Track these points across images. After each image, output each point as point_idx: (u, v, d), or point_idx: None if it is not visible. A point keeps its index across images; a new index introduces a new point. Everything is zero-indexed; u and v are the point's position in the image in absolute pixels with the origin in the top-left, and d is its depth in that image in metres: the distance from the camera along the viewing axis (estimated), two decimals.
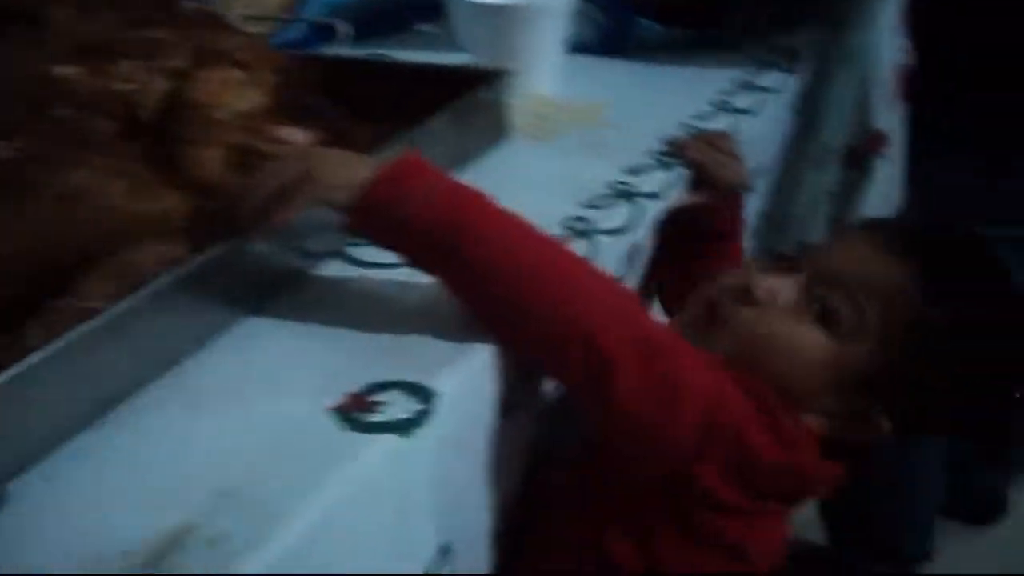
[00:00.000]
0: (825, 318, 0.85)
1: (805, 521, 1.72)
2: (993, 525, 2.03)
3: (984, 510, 2.05)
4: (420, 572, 0.73)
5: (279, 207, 0.75)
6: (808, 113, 1.61)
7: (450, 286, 0.77)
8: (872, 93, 1.90)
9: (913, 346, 0.84)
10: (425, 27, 1.56)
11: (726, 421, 0.78)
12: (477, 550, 0.83)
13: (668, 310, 1.13)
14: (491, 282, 0.75)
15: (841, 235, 0.96)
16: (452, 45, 1.33)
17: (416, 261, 0.78)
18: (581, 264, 0.81)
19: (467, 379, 0.74)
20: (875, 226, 0.99)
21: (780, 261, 0.92)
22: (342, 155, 0.80)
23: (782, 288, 0.88)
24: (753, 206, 1.16)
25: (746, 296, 0.88)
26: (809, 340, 0.85)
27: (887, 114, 1.97)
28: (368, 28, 1.39)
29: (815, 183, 1.66)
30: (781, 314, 0.87)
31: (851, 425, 0.87)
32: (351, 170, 0.77)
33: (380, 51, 1.38)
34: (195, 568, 0.55)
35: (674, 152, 1.08)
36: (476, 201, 0.77)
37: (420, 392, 0.69)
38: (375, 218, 0.76)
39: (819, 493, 0.90)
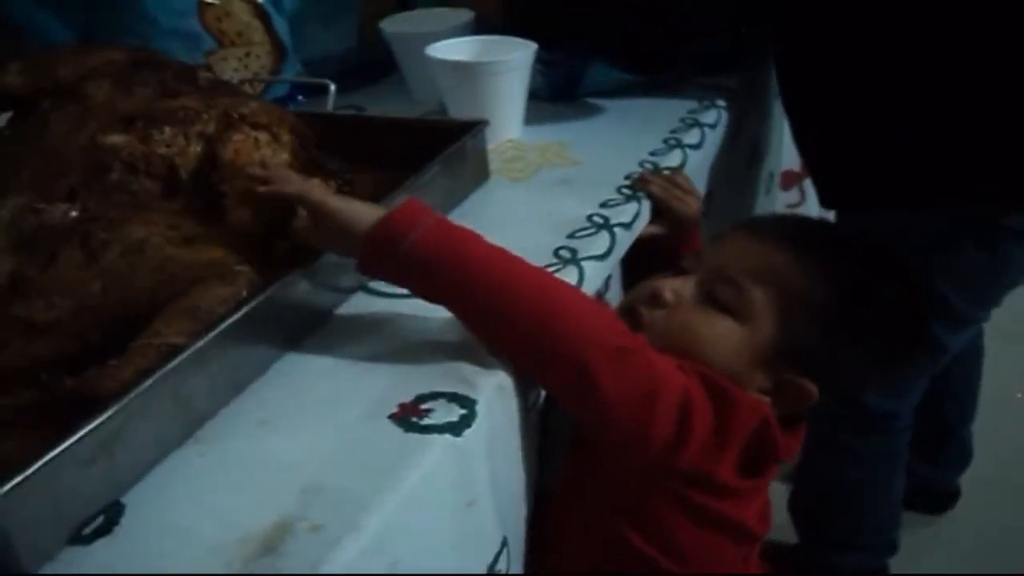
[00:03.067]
0: (722, 306, 0.98)
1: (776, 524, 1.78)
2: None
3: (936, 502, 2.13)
4: (491, 561, 0.85)
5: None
6: (752, 144, 1.75)
7: (453, 310, 0.87)
8: None
9: (806, 317, 0.97)
10: (380, 84, 1.68)
11: (699, 408, 0.88)
12: (520, 544, 0.95)
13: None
14: (489, 306, 0.85)
15: (724, 234, 1.07)
16: (405, 97, 1.49)
17: (420, 291, 0.88)
18: (565, 286, 0.92)
19: (496, 392, 0.84)
20: (752, 223, 1.14)
21: (679, 268, 1.05)
22: (355, 201, 0.91)
23: (684, 287, 1.00)
24: (708, 231, 1.29)
25: (656, 300, 1.00)
26: (720, 327, 0.97)
27: None
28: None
29: (765, 206, 1.80)
30: (689, 310, 0.99)
31: (784, 397, 0.98)
32: (362, 212, 0.88)
33: (353, 106, 1.50)
34: (306, 550, 0.66)
35: (638, 187, 1.22)
36: (470, 235, 0.87)
37: (460, 400, 0.81)
38: (382, 254, 0.86)
39: (787, 458, 1.00)
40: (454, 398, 0.81)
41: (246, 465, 0.75)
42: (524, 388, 0.89)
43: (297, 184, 0.92)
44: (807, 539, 1.93)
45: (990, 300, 1.53)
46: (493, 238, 0.88)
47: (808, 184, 2.11)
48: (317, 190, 0.92)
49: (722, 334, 0.97)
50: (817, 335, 0.97)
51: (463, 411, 0.80)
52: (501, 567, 0.87)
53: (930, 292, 1.30)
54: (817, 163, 1.53)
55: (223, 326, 0.80)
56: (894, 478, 1.81)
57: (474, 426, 0.79)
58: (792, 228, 1.09)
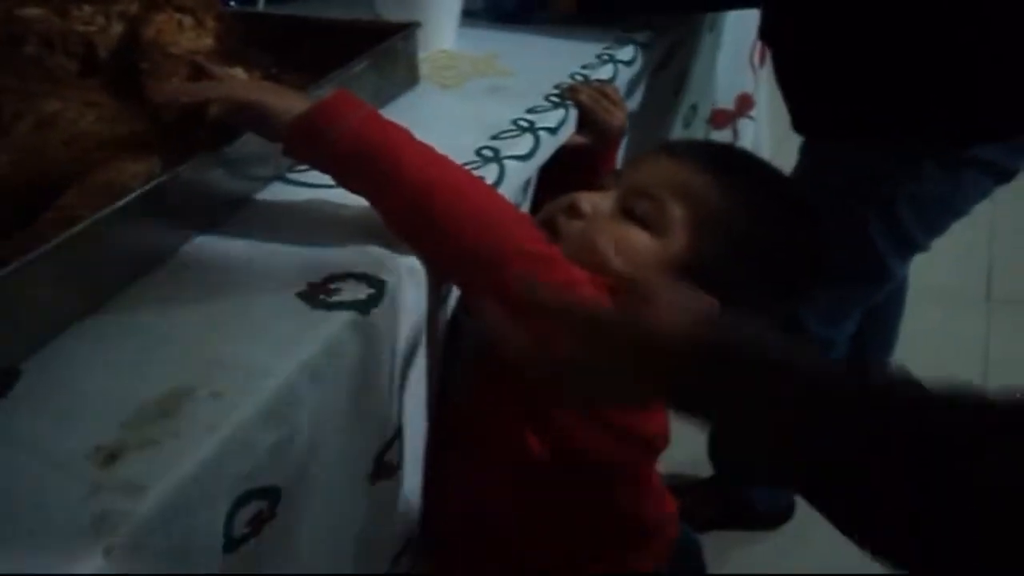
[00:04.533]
0: (638, 220, 0.98)
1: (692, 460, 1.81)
2: None
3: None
4: (381, 448, 0.85)
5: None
6: (676, 73, 1.76)
7: (373, 202, 0.87)
8: (736, 57, 2.07)
9: (719, 237, 0.97)
10: None
11: None
12: (418, 440, 0.96)
13: None
14: (410, 203, 0.85)
15: (645, 155, 1.08)
16: (356, 6, 1.45)
17: (344, 181, 0.88)
18: (489, 191, 0.93)
19: (407, 274, 0.85)
20: (672, 145, 1.15)
21: (598, 185, 1.06)
22: (283, 88, 0.91)
23: (602, 201, 1.01)
24: (624, 152, 1.30)
25: (574, 211, 1.01)
26: (634, 239, 0.98)
27: (752, 77, 2.14)
28: None
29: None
30: (606, 221, 1.00)
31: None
32: (290, 100, 0.87)
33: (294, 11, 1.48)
34: (203, 414, 0.66)
35: (567, 95, 1.22)
36: (397, 130, 0.87)
37: (369, 279, 0.81)
38: (309, 142, 0.86)
39: None
40: (363, 278, 0.81)
41: (150, 338, 0.75)
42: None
43: (221, 88, 0.91)
44: (721, 472, 1.96)
45: (941, 229, 1.57)
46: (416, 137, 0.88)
47: (742, 124, 2.14)
48: (240, 87, 0.91)
49: (635, 246, 0.98)
50: (726, 257, 0.98)
51: (371, 290, 0.80)
52: (391, 457, 0.87)
53: (889, 218, 1.44)
54: (793, 91, 1.55)
55: (127, 199, 0.79)
56: None
57: (381, 306, 0.79)
58: (713, 153, 1.10)
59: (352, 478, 0.83)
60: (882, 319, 1.97)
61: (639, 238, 0.98)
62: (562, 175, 1.18)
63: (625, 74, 1.38)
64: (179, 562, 0.63)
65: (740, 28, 2.01)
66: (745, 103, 2.15)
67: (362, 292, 0.80)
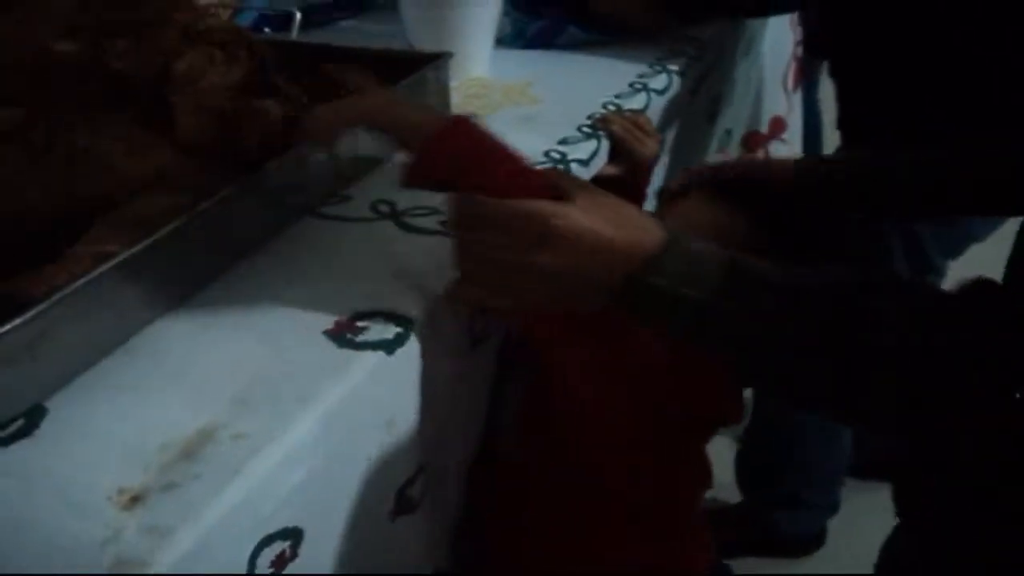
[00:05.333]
0: None
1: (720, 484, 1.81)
2: None
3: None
4: (402, 484, 0.85)
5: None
6: (710, 99, 1.75)
7: None
8: (769, 81, 2.06)
9: None
10: (345, 23, 1.68)
11: None
12: (449, 477, 0.95)
13: None
14: None
15: (680, 196, 1.08)
16: (376, 37, 1.46)
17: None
18: None
19: (436, 309, 0.84)
20: (705, 180, 1.11)
21: None
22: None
23: None
24: (657, 182, 1.30)
25: None
26: None
27: (784, 101, 2.13)
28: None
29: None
30: None
31: None
32: (422, 113, 0.83)
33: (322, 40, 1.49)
34: (226, 457, 0.66)
35: (599, 126, 1.21)
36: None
37: (397, 319, 0.80)
38: (443, 159, 0.80)
39: None
40: (391, 317, 0.81)
41: (175, 374, 0.75)
42: (466, 315, 0.89)
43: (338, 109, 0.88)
44: (751, 498, 1.96)
45: (959, 252, 1.56)
46: None
47: (774, 146, 2.13)
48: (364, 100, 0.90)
49: None
50: None
51: (398, 330, 0.79)
52: (415, 493, 0.87)
53: (910, 239, 1.46)
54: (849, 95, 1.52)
55: (158, 235, 0.79)
56: (842, 436, 1.84)
57: (407, 345, 0.79)
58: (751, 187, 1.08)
59: (374, 517, 0.82)
60: None
61: None
62: None
63: (658, 103, 1.37)
64: None
65: (774, 53, 2.00)
66: (778, 126, 2.14)
67: (389, 332, 0.79)
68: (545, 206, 0.73)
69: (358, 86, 1.05)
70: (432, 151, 0.79)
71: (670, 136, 1.49)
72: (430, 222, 0.96)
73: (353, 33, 1.60)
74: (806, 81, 2.26)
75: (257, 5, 1.50)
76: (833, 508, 1.93)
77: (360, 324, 0.80)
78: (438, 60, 1.18)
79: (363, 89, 1.02)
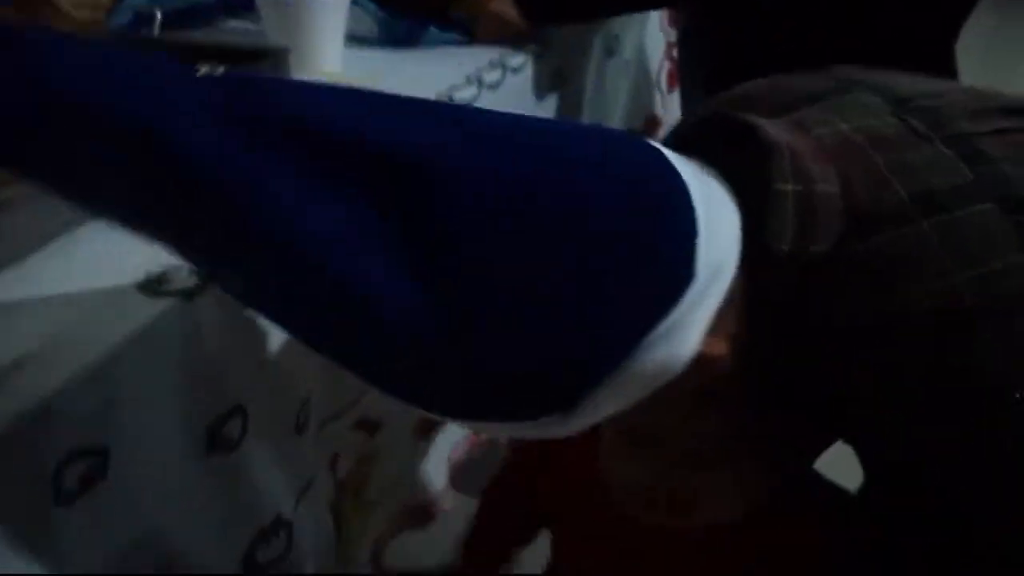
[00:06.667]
0: None
1: None
2: None
3: None
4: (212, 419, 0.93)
5: None
6: (574, 93, 1.86)
7: None
8: (643, 82, 2.18)
9: None
10: (234, 23, 1.75)
11: None
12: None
13: None
14: None
15: None
16: (257, 35, 1.54)
17: None
18: None
19: None
20: None
21: None
22: None
23: None
24: None
25: None
26: None
27: (659, 101, 2.24)
28: (182, 20, 1.59)
29: None
30: None
31: None
32: None
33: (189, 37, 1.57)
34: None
35: None
36: None
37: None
38: None
39: None
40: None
41: None
42: None
43: None
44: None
45: None
46: None
47: None
48: None
49: None
50: None
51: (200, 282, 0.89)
52: (230, 431, 0.95)
53: None
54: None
55: None
56: None
57: (207, 295, 0.89)
58: None
59: (182, 446, 0.91)
60: None
61: None
62: None
63: (488, 96, 1.48)
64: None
65: (646, 54, 2.14)
66: (653, 124, 2.25)
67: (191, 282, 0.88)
68: None
69: None
70: None
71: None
72: None
73: (235, 33, 1.67)
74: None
75: (134, 4, 1.57)
76: None
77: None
78: (277, 55, 1.27)
79: None
